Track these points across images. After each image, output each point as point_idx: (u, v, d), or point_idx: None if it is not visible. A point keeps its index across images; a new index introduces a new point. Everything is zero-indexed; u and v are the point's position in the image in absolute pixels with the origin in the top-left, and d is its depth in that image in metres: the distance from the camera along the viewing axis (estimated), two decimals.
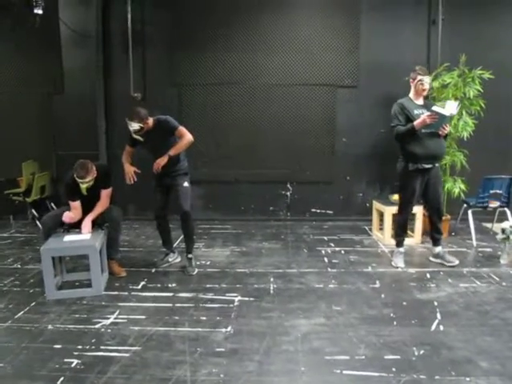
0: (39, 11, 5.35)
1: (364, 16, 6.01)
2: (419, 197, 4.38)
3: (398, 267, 4.40)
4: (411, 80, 4.25)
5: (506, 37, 5.96)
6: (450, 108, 3.97)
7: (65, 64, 6.22)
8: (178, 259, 4.67)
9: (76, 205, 4.02)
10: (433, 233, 4.52)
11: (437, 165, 4.28)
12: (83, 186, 3.93)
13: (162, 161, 4.06)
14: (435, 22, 5.93)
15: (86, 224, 4.01)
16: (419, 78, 4.15)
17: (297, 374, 2.62)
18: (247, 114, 6.24)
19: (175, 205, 4.25)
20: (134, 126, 3.93)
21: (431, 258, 4.59)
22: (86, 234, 3.95)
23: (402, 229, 4.51)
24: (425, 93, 4.22)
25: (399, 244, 4.54)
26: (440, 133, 4.07)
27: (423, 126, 3.98)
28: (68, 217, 3.98)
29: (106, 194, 4.13)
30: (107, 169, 4.32)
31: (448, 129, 4.09)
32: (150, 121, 4.07)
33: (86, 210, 4.07)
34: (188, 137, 4.12)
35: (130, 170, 4.18)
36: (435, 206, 4.39)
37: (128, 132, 4.07)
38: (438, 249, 4.51)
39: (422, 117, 3.99)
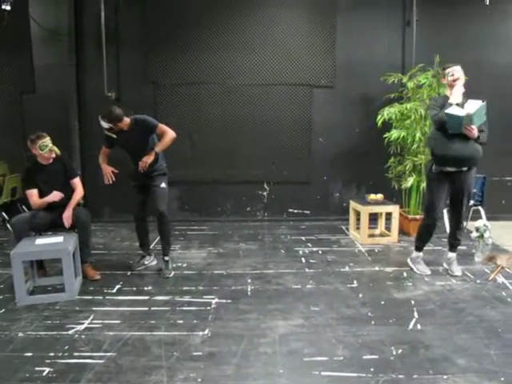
0: (7, 7, 5.16)
1: (340, 16, 6.04)
2: (445, 202, 4.15)
3: (426, 274, 4.20)
4: (444, 80, 4.03)
5: (480, 37, 6.07)
6: (468, 107, 3.63)
7: (35, 62, 6.03)
8: (154, 262, 4.58)
9: (34, 192, 3.99)
10: (449, 238, 4.28)
11: (464, 169, 3.90)
12: (45, 150, 3.93)
13: (149, 158, 4.03)
14: (410, 23, 6.01)
15: (67, 216, 3.96)
16: (447, 70, 3.92)
17: (275, 377, 2.60)
18: (223, 113, 6.20)
19: (151, 206, 4.21)
20: (104, 124, 3.94)
21: (444, 264, 4.40)
22: (68, 226, 3.96)
23: (422, 235, 4.27)
24: (456, 82, 3.85)
25: (419, 249, 4.34)
26: (467, 134, 3.72)
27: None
28: (58, 195, 3.96)
29: (77, 182, 4.16)
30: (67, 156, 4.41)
31: (476, 130, 3.69)
32: (127, 121, 4.01)
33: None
34: (171, 133, 4.07)
35: (107, 171, 4.13)
36: (457, 213, 4.13)
37: (103, 131, 4.02)
38: (452, 255, 4.29)
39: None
